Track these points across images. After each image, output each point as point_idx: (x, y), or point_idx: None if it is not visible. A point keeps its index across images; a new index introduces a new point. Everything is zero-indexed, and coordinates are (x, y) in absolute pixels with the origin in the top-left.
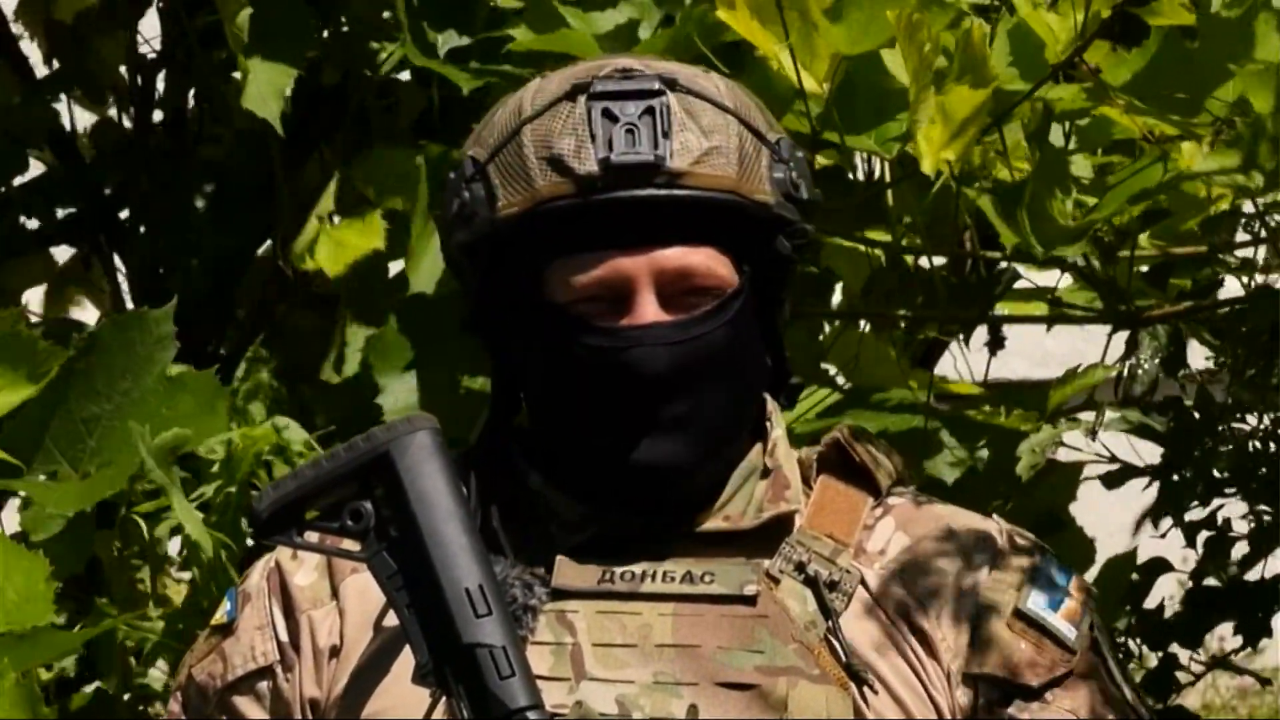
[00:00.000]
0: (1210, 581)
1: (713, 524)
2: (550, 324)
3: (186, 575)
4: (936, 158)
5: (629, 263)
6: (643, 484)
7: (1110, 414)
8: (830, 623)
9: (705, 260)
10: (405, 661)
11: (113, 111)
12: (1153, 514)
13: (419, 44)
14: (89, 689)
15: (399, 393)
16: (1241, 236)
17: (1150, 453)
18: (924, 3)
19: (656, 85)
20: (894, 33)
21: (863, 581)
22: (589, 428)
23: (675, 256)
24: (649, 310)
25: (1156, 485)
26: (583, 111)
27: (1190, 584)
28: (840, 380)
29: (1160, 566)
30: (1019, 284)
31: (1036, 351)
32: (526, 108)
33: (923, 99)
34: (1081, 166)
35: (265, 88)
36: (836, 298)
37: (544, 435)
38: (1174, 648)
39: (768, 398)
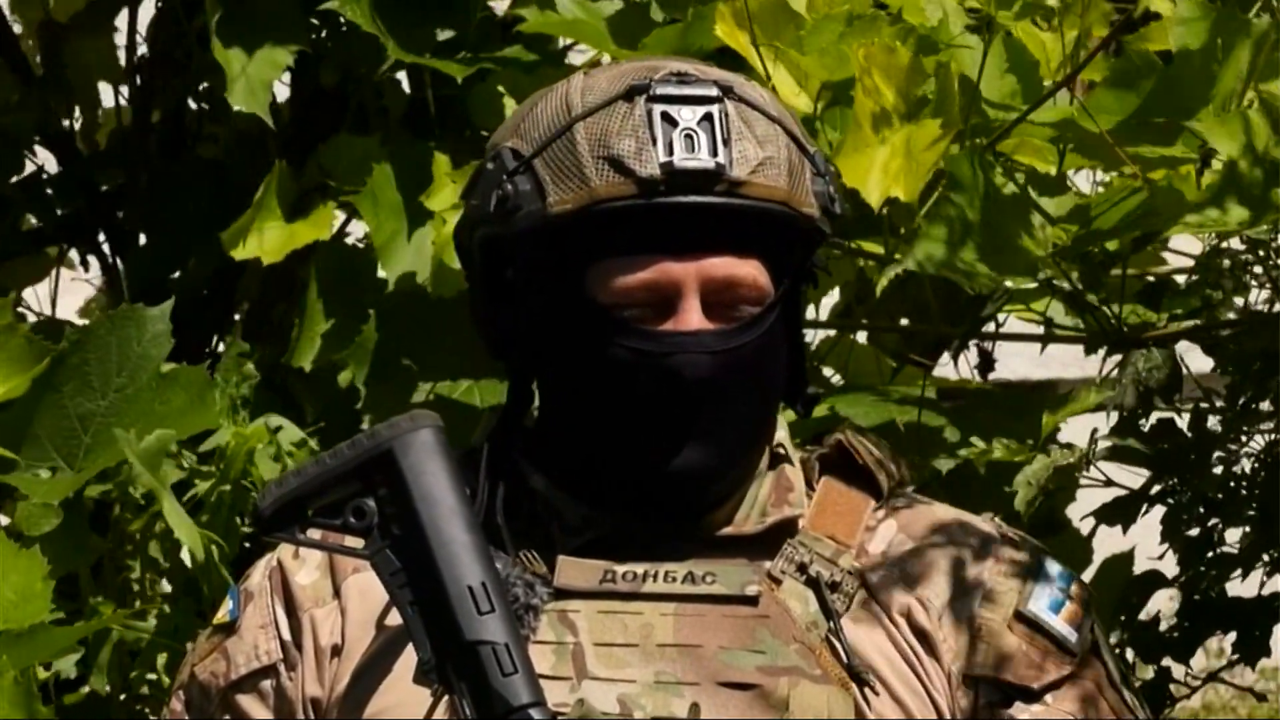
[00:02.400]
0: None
1: (716, 529)
2: (592, 324)
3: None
4: (886, 191)
5: (678, 268)
6: (674, 489)
7: (1104, 442)
8: (832, 623)
9: (751, 271)
10: (407, 660)
11: (109, 107)
12: (1119, 517)
13: (403, 42)
14: (85, 689)
15: (378, 397)
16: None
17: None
18: (901, 30)
19: (715, 91)
20: (871, 60)
21: (864, 583)
22: (624, 431)
23: (723, 265)
24: (694, 317)
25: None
26: (642, 113)
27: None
28: (836, 381)
29: (1155, 580)
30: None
31: (1036, 351)
32: (577, 104)
33: (868, 135)
34: (1063, 203)
35: (252, 82)
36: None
37: (556, 436)
38: (1168, 661)
39: None
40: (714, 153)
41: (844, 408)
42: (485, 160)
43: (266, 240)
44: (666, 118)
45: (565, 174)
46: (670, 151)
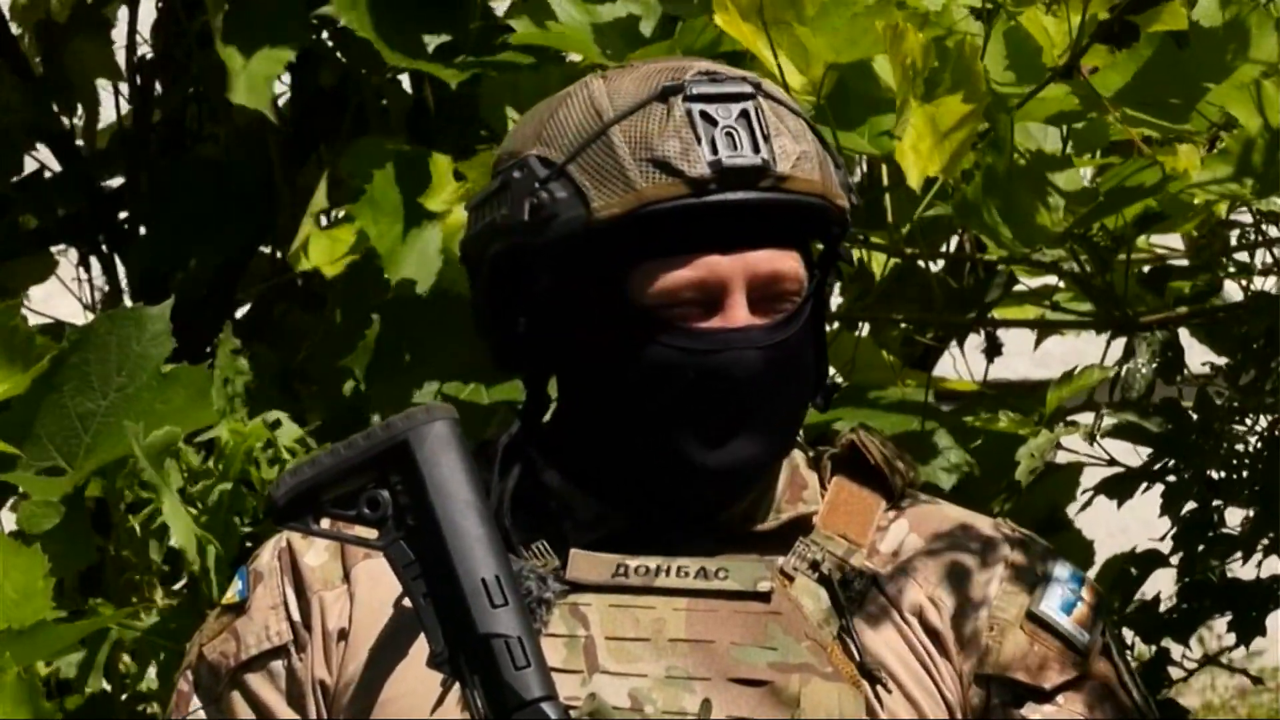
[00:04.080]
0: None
1: (732, 525)
2: (637, 326)
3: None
4: (923, 171)
5: (725, 265)
6: (721, 484)
7: (1108, 419)
8: (843, 621)
9: (792, 264)
10: (418, 649)
11: (107, 112)
12: (1118, 492)
13: (396, 45)
14: (86, 689)
15: (383, 397)
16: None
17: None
18: (910, 14)
19: (748, 88)
20: (881, 43)
21: (875, 582)
22: (670, 431)
23: (768, 260)
24: (741, 313)
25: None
26: (682, 113)
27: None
28: (839, 380)
29: (1155, 559)
30: (1016, 288)
31: (1036, 351)
32: (606, 107)
33: (907, 112)
34: (1072, 179)
35: (254, 79)
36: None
37: (577, 435)
38: (1167, 642)
39: None
40: (756, 149)
41: (846, 420)
42: (509, 171)
43: (318, 251)
44: (705, 117)
45: (607, 178)
46: (715, 150)
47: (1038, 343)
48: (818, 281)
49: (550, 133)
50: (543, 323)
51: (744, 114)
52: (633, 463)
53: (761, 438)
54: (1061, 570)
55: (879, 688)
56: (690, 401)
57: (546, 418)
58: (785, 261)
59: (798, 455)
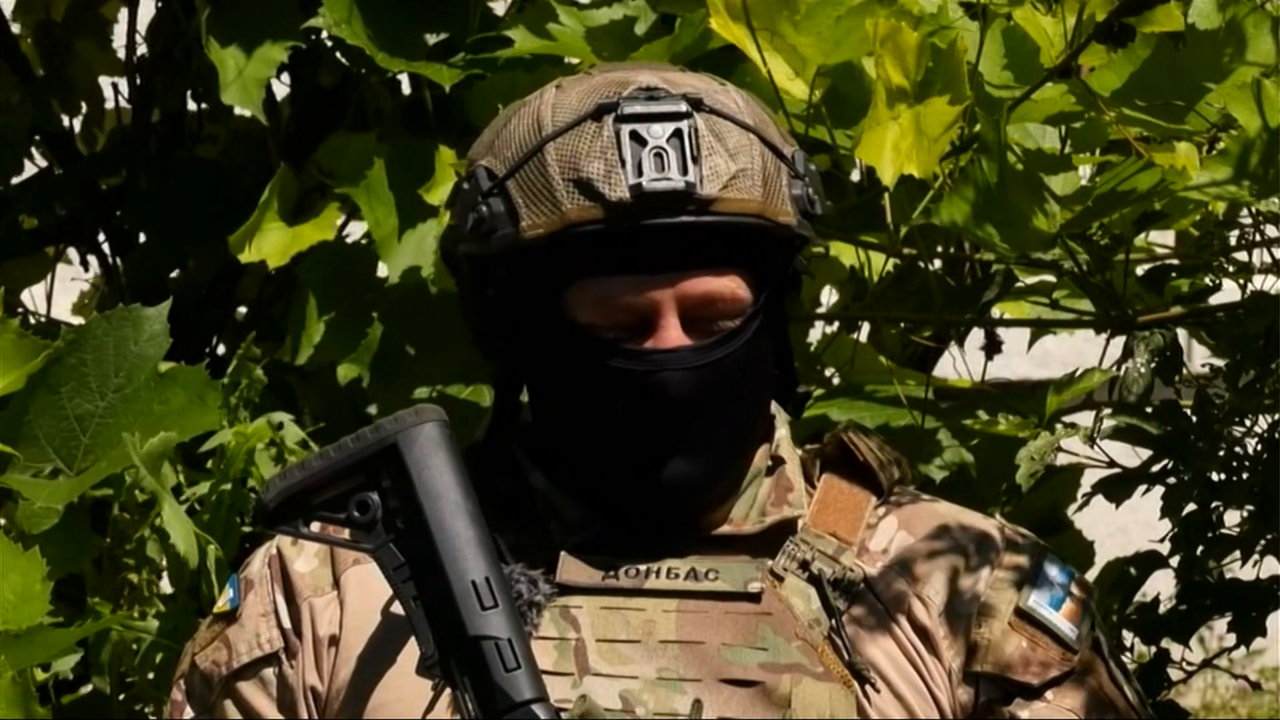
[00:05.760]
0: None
1: (715, 528)
2: (573, 344)
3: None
4: (900, 169)
5: (655, 289)
6: (663, 502)
7: (1108, 421)
8: (834, 621)
9: (729, 285)
10: (409, 654)
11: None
12: (1117, 492)
13: (395, 46)
14: (85, 689)
15: (383, 396)
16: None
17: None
18: (897, 11)
19: (683, 107)
20: (866, 45)
21: (866, 580)
22: (611, 449)
23: (700, 283)
24: (673, 334)
25: (1151, 488)
26: (610, 134)
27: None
28: (836, 382)
29: (1155, 561)
30: (1016, 285)
31: (1036, 351)
32: (547, 123)
33: (883, 112)
34: (1070, 180)
35: (245, 79)
36: (833, 297)
37: (551, 437)
38: (1167, 643)
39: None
40: (684, 171)
41: (839, 413)
42: (462, 178)
43: (270, 243)
44: (635, 137)
45: (537, 197)
46: (639, 172)
47: (1032, 342)
48: (767, 296)
49: (499, 144)
50: (498, 329)
51: (676, 133)
52: (594, 473)
53: (701, 456)
54: (1051, 566)
55: (869, 687)
56: (626, 421)
57: (531, 419)
58: (720, 283)
59: (785, 455)
